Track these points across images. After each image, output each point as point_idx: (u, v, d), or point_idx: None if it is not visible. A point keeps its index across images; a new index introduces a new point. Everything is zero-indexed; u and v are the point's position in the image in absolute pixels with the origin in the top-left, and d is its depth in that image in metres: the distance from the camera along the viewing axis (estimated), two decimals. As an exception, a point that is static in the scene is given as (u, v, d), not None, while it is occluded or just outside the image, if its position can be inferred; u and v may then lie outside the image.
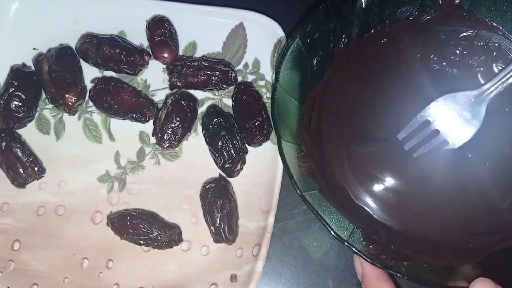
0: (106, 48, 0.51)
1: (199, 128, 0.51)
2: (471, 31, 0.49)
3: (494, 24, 0.48)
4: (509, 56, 0.49)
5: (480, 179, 0.46)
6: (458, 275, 0.41)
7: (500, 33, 0.48)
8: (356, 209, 0.44)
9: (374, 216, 0.44)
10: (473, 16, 0.48)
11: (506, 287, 0.38)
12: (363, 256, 0.39)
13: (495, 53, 0.49)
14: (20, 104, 0.50)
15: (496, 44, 0.49)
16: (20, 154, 0.49)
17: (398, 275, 0.39)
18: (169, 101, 0.50)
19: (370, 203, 0.45)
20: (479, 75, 0.50)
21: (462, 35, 0.49)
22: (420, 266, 0.41)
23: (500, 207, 0.46)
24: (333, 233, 0.40)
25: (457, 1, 0.48)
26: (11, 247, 0.48)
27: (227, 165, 0.48)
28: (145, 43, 0.53)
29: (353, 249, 0.40)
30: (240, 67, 0.53)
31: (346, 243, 0.40)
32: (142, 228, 0.46)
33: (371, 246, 0.41)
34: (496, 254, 0.43)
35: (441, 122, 0.46)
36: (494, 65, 0.49)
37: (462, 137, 0.46)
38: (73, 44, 0.53)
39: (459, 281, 0.40)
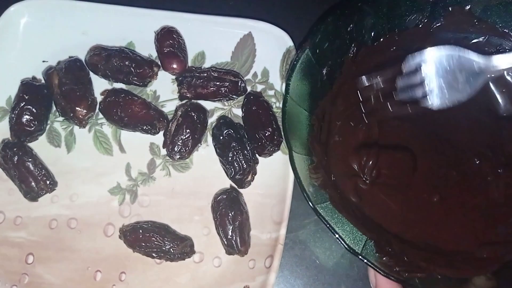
0: (116, 60, 0.51)
1: (209, 138, 0.51)
2: (482, 37, 0.49)
3: (505, 30, 0.48)
4: (520, 62, 0.48)
5: (492, 187, 0.46)
6: (471, 286, 0.41)
7: (511, 39, 0.48)
8: (368, 220, 0.44)
9: (385, 227, 0.44)
10: (484, 22, 0.48)
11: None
12: (377, 270, 0.39)
13: (506, 59, 0.49)
14: (31, 118, 0.50)
15: (507, 50, 0.48)
16: (32, 168, 0.49)
17: None
18: (179, 112, 0.50)
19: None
20: (489, 82, 0.49)
21: (472, 41, 0.49)
22: (434, 278, 0.41)
23: (514, 215, 0.45)
24: (346, 246, 0.40)
25: (468, 8, 0.47)
26: (25, 260, 0.49)
27: (238, 176, 0.48)
28: (154, 54, 0.53)
29: (367, 262, 0.40)
30: (249, 76, 0.53)
31: (359, 257, 0.40)
32: (154, 241, 0.46)
33: (384, 258, 0.41)
34: (511, 264, 0.43)
35: (430, 73, 0.44)
36: (505, 72, 0.49)
37: (444, 100, 0.44)
38: (82, 56, 0.53)
39: (474, 292, 0.40)
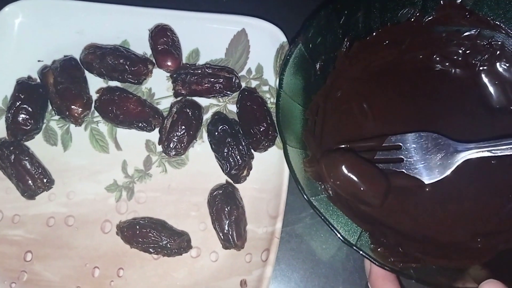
0: (110, 59, 0.51)
1: (205, 135, 0.52)
2: (474, 30, 0.49)
3: (496, 22, 0.48)
4: (512, 55, 0.49)
5: (487, 178, 0.46)
6: (467, 276, 0.41)
7: (503, 31, 0.48)
8: (362, 212, 0.45)
9: (379, 219, 0.45)
10: (475, 15, 0.48)
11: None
12: (372, 260, 0.40)
13: (498, 51, 0.49)
14: (27, 116, 0.50)
15: (499, 43, 0.49)
16: (29, 166, 0.49)
17: (407, 278, 0.40)
18: (174, 109, 0.50)
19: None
20: (482, 74, 0.50)
21: (464, 34, 0.49)
22: (429, 268, 0.41)
23: (508, 205, 0.46)
24: (340, 238, 0.40)
25: (459, 1, 0.48)
26: (24, 258, 0.49)
27: (233, 172, 0.49)
28: (149, 52, 0.54)
29: (362, 253, 0.40)
30: (243, 73, 0.54)
31: (354, 247, 0.40)
32: (151, 236, 0.47)
33: (379, 249, 0.42)
34: (505, 253, 0.43)
35: (410, 153, 0.46)
36: (497, 64, 0.49)
37: (421, 176, 0.45)
38: (77, 55, 0.54)
39: (468, 283, 0.40)
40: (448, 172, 0.45)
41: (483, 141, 0.44)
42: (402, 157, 0.46)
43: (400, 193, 0.45)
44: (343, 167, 0.43)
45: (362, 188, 0.44)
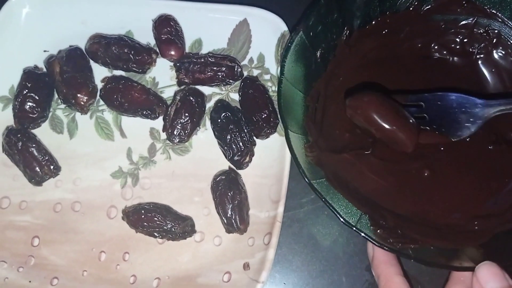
0: (115, 48, 0.52)
1: (208, 122, 0.53)
2: (471, 19, 0.50)
3: (493, 11, 0.49)
4: (509, 42, 0.50)
5: (483, 162, 0.47)
6: (464, 256, 0.42)
7: (500, 19, 0.49)
8: (362, 196, 0.46)
9: (379, 202, 0.46)
10: (472, 4, 0.49)
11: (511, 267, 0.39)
12: (371, 240, 0.41)
13: (495, 39, 0.50)
14: (34, 105, 0.51)
15: (496, 31, 0.50)
16: (36, 153, 0.51)
17: (406, 257, 0.41)
18: (178, 97, 0.51)
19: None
20: (479, 62, 0.51)
21: (461, 23, 0.50)
22: (427, 248, 0.42)
23: (504, 189, 0.47)
24: (341, 219, 0.42)
25: (456, -10, 0.49)
26: (31, 243, 0.50)
27: (236, 158, 0.50)
28: (152, 42, 0.55)
29: (362, 234, 0.41)
30: (245, 62, 0.55)
31: (354, 228, 0.41)
32: (156, 220, 0.48)
33: (378, 231, 0.43)
34: (502, 235, 0.44)
35: (433, 112, 0.46)
36: (494, 51, 0.51)
37: (448, 134, 0.46)
38: (82, 45, 0.55)
39: (465, 262, 0.41)
40: (475, 129, 0.44)
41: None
42: (424, 115, 0.46)
43: (399, 176, 0.47)
44: (374, 104, 0.43)
45: (393, 126, 0.43)
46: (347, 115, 0.47)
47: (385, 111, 0.44)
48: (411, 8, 0.50)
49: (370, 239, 0.41)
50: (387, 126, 0.44)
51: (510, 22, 0.49)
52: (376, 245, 0.41)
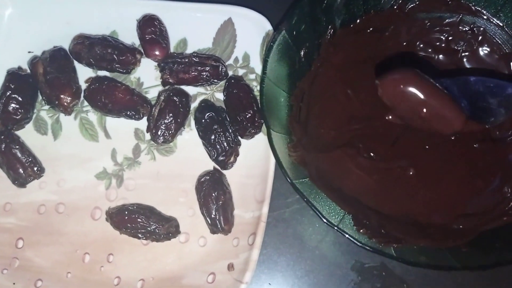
0: (98, 48, 0.52)
1: (193, 123, 0.52)
2: (456, 16, 0.50)
3: (478, 8, 0.49)
4: (494, 40, 0.50)
5: (468, 160, 0.47)
6: (448, 256, 0.42)
7: (485, 17, 0.49)
8: (345, 195, 0.45)
9: (363, 201, 0.45)
10: (457, 1, 0.49)
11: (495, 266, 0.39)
12: (354, 241, 0.41)
13: (480, 37, 0.50)
14: (17, 106, 0.51)
15: (481, 29, 0.50)
16: (19, 155, 0.50)
17: (389, 257, 0.41)
18: (162, 97, 0.51)
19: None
20: (464, 60, 0.50)
21: (446, 21, 0.50)
22: (410, 248, 0.42)
23: (489, 187, 0.46)
24: (324, 219, 0.41)
25: (441, -13, 0.49)
26: (15, 245, 0.50)
27: (220, 158, 0.50)
28: (137, 42, 0.54)
29: (344, 234, 0.41)
30: (230, 61, 0.54)
31: (336, 228, 0.41)
32: (140, 222, 0.47)
33: (361, 231, 0.42)
34: (487, 234, 0.44)
35: (458, 98, 0.42)
36: (480, 49, 0.50)
37: (482, 119, 0.43)
38: (66, 46, 0.54)
39: (450, 261, 0.41)
40: (508, 113, 0.41)
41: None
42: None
43: (384, 175, 0.46)
44: (418, 79, 0.39)
45: (442, 101, 0.39)
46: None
47: (429, 86, 0.40)
48: (395, 7, 0.50)
49: (352, 239, 0.41)
50: (435, 101, 0.40)
51: (495, 19, 0.49)
52: (358, 245, 0.40)
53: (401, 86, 0.41)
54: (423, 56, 0.51)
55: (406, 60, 0.51)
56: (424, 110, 0.41)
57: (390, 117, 0.45)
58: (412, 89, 0.41)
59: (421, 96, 0.41)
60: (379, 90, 0.43)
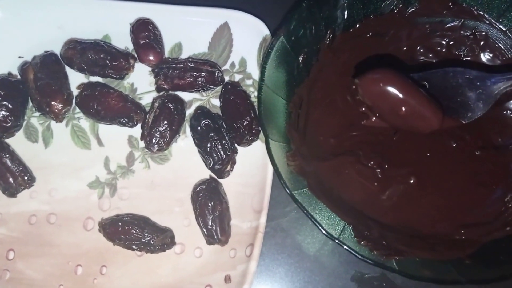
0: (91, 54, 0.50)
1: (188, 130, 0.51)
2: (457, 21, 0.49)
3: (480, 12, 0.48)
4: (497, 45, 0.48)
5: (470, 168, 0.46)
6: (451, 268, 0.41)
7: (487, 21, 0.48)
8: (346, 205, 0.44)
9: (363, 211, 0.44)
10: (459, 5, 0.48)
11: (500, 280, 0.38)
12: (355, 254, 0.39)
13: (482, 42, 0.49)
14: (7, 113, 0.50)
15: (483, 33, 0.49)
16: (9, 164, 0.49)
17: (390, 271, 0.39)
18: (156, 104, 0.50)
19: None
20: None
21: (447, 25, 0.49)
22: (412, 260, 0.41)
23: (492, 196, 0.46)
24: (323, 231, 0.40)
25: (442, -9, 0.47)
26: (6, 256, 0.49)
27: (217, 166, 0.48)
28: (130, 47, 0.53)
29: (345, 246, 0.40)
30: (226, 66, 0.53)
31: (337, 241, 0.40)
32: (134, 233, 0.46)
33: (362, 242, 0.41)
34: (490, 245, 0.43)
35: (438, 91, 0.42)
36: (481, 54, 0.49)
37: (458, 116, 0.43)
38: (58, 51, 0.53)
39: (453, 275, 0.40)
40: (486, 108, 0.40)
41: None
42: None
43: (385, 183, 0.45)
44: (395, 78, 0.40)
45: (419, 100, 0.39)
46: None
47: (407, 85, 0.41)
48: (395, 11, 0.49)
49: (353, 251, 0.40)
50: (412, 100, 0.40)
51: (498, 24, 0.48)
52: (359, 258, 0.39)
53: (381, 85, 0.41)
54: (424, 61, 0.50)
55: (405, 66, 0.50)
56: (403, 108, 0.42)
57: (366, 121, 0.45)
58: (391, 88, 0.41)
59: (400, 95, 0.41)
60: (359, 90, 0.43)
